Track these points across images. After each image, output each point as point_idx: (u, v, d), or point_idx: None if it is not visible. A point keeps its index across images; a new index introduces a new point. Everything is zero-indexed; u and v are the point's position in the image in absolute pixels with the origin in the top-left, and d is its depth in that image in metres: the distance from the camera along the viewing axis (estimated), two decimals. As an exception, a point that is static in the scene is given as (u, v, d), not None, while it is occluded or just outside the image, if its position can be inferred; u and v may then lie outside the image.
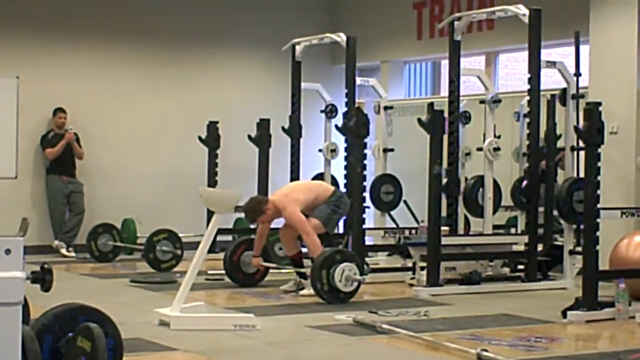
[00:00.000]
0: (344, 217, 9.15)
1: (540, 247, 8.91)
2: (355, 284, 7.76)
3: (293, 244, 8.54)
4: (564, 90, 9.04)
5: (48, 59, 11.91)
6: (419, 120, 8.32)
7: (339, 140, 10.72)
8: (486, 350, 5.39)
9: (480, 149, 9.29)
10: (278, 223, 8.71)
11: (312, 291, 8.06)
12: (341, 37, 10.28)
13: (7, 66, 11.55)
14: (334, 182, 11.15)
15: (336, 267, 7.68)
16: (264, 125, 11.02)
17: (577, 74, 8.99)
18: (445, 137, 8.65)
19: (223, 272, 9.09)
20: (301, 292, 8.23)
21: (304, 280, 8.35)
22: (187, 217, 11.66)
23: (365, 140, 8.99)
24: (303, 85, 11.05)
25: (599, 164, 7.05)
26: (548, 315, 7.07)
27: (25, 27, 11.75)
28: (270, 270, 8.92)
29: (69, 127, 11.61)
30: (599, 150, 7.06)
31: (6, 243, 2.87)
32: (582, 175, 7.88)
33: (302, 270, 8.41)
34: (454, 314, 7.26)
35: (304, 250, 8.57)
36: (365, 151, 9.03)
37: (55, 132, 11.64)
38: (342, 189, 10.09)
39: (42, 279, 2.99)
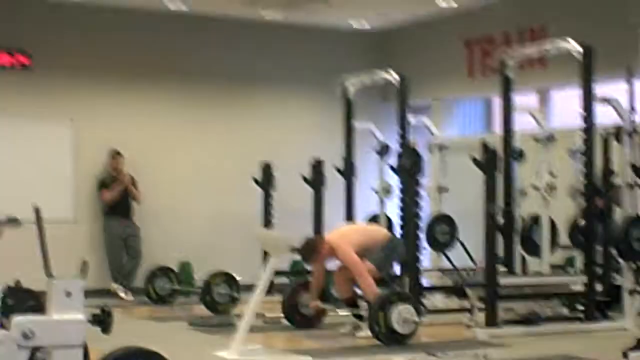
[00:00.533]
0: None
1: (599, 287, 8.78)
2: (413, 325, 7.70)
3: (346, 286, 8.49)
4: (619, 126, 8.94)
5: (102, 101, 12.09)
6: (474, 159, 8.27)
7: (393, 180, 10.69)
8: (547, 392, 5.31)
9: (536, 188, 9.19)
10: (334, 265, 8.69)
11: (368, 332, 8.01)
12: (393, 75, 10.29)
13: (62, 109, 11.73)
14: (389, 222, 11.11)
15: (393, 308, 7.63)
16: (318, 166, 11.04)
17: (632, 109, 8.90)
18: (500, 175, 8.59)
19: (281, 315, 9.08)
20: (358, 334, 8.18)
21: (360, 323, 8.30)
22: (243, 259, 11.67)
23: (420, 179, 8.95)
24: (355, 124, 11.05)
25: (657, 200, 6.95)
26: (609, 356, 6.95)
27: (81, 70, 11.95)
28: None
29: (126, 170, 11.74)
30: (656, 186, 6.97)
31: (67, 285, 2.90)
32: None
33: (358, 311, 8.34)
34: (514, 355, 7.17)
35: (358, 291, 8.53)
36: (420, 190, 8.98)
37: (112, 176, 11.77)
38: (398, 230, 10.06)
39: (102, 320, 3.00)
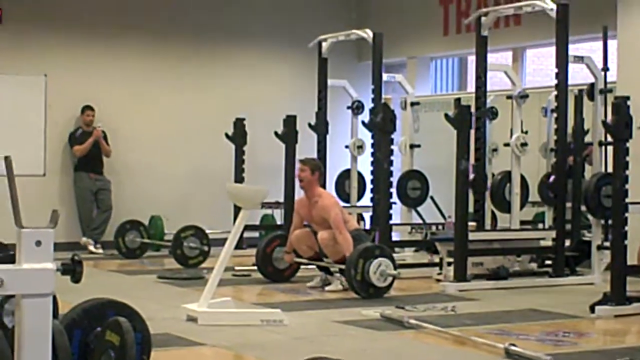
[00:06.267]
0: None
1: (568, 243, 8.87)
2: (390, 279, 7.75)
3: (307, 248, 8.45)
4: (592, 85, 8.99)
5: (76, 56, 11.96)
6: (446, 115, 8.30)
7: (366, 137, 10.71)
8: (514, 345, 5.38)
9: (507, 145, 9.26)
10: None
11: (338, 287, 8.08)
12: (368, 34, 10.27)
13: (35, 64, 11.61)
14: (361, 178, 11.15)
15: (373, 260, 7.68)
16: (290, 121, 11.01)
17: (605, 68, 8.93)
18: (472, 132, 8.62)
19: (250, 268, 9.11)
20: (327, 288, 8.22)
21: (329, 277, 8.34)
22: (214, 214, 11.68)
23: (392, 136, 8.98)
24: (329, 81, 11.06)
25: (628, 158, 7.00)
26: (576, 310, 7.04)
27: (53, 25, 11.81)
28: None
29: (97, 125, 11.68)
30: (628, 144, 7.02)
31: (36, 235, 2.88)
32: (610, 170, 7.83)
33: (327, 265, 8.35)
34: (482, 309, 7.25)
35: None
36: (392, 147, 9.02)
37: (83, 130, 11.70)
38: (369, 185, 10.12)
39: (73, 270, 2.99)
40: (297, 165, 8.47)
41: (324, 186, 10.88)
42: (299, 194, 10.39)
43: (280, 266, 8.79)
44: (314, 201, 8.26)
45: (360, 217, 10.73)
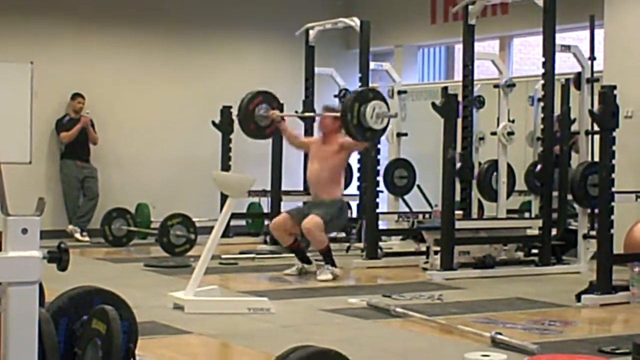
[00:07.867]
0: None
1: (554, 231, 8.90)
2: (386, 120, 7.77)
3: (287, 236, 8.45)
4: (579, 74, 9.01)
5: (62, 44, 11.92)
6: (433, 104, 8.31)
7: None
8: (500, 334, 5.39)
9: (494, 133, 9.28)
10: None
11: (329, 276, 8.07)
12: (355, 22, 10.25)
13: (21, 51, 11.56)
14: (348, 166, 11.13)
15: (368, 103, 7.68)
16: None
17: (592, 57, 8.95)
18: (459, 121, 8.63)
19: (237, 256, 9.09)
20: (319, 277, 8.14)
21: (306, 265, 8.35)
22: (201, 202, 11.67)
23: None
24: (316, 69, 11.04)
25: (614, 147, 7.02)
26: (562, 299, 7.07)
27: (40, 11, 11.77)
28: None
29: (85, 112, 11.64)
30: (614, 134, 7.04)
31: (23, 222, 2.86)
32: (596, 159, 7.85)
33: (305, 253, 8.37)
34: (468, 297, 7.26)
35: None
36: (380, 135, 9.01)
37: (71, 117, 11.66)
38: (356, 174, 10.12)
39: (59, 258, 2.98)
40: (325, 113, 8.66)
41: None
42: (285, 182, 10.44)
43: (262, 123, 8.75)
44: (332, 142, 8.37)
45: (348, 206, 10.72)
